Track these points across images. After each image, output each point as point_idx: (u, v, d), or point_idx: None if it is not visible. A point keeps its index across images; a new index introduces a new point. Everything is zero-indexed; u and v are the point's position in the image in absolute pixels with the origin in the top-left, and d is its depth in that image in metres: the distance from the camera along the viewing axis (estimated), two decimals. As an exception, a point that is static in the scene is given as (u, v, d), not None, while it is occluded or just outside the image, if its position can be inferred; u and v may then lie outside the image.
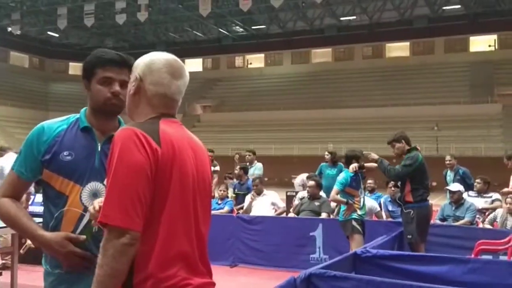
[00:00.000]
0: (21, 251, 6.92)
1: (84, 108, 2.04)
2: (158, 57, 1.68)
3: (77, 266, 1.82)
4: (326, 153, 9.72)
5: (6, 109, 39.21)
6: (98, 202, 1.62)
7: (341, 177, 6.03)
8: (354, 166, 5.88)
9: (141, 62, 1.69)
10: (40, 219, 2.02)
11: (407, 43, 42.05)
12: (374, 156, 5.97)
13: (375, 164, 5.94)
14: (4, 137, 35.49)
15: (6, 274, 5.82)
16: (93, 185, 1.90)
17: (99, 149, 1.94)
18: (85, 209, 1.87)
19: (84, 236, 1.85)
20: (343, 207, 6.02)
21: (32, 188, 9.72)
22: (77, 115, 2.02)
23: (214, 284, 1.66)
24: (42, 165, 1.91)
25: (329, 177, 9.07)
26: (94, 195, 1.89)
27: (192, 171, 1.60)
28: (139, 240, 1.44)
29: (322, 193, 7.79)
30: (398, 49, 42.75)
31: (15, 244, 5.94)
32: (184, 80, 1.70)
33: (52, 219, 1.91)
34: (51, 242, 1.82)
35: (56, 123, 1.98)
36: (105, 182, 1.72)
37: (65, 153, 1.90)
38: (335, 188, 5.97)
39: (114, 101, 1.93)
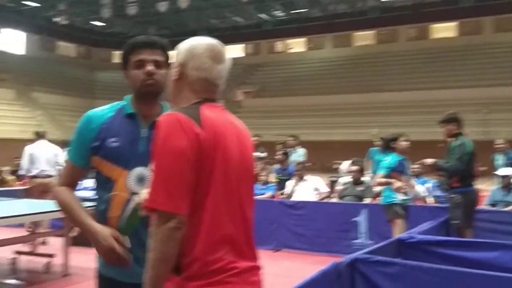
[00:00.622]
0: (73, 233, 7.21)
1: (129, 96, 2.09)
2: (199, 42, 1.70)
3: (114, 263, 1.88)
4: (379, 138, 9.54)
5: (54, 98, 40.53)
6: (144, 192, 1.66)
7: (387, 161, 5.93)
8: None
9: (182, 48, 1.70)
10: (88, 203, 2.11)
11: (453, 23, 40.56)
12: (430, 161, 5.87)
13: (430, 160, 5.86)
14: (54, 125, 36.80)
15: (59, 256, 6.08)
16: (139, 170, 1.95)
17: (144, 135, 1.98)
18: (132, 193, 1.93)
19: (129, 244, 1.90)
20: (386, 191, 5.94)
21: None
22: (123, 102, 2.08)
23: (260, 267, 1.69)
24: (92, 151, 1.98)
25: (379, 162, 8.93)
26: (140, 180, 1.94)
27: (235, 155, 1.62)
28: (184, 223, 1.48)
29: (365, 178, 7.70)
30: (444, 30, 41.30)
31: (67, 227, 6.19)
32: (225, 64, 1.73)
33: (101, 203, 1.99)
34: (97, 233, 1.89)
35: (102, 110, 2.05)
36: (150, 167, 1.77)
37: (112, 139, 1.96)
38: (380, 172, 5.89)
39: (150, 81, 1.97)
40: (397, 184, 5.74)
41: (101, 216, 1.99)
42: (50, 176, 8.17)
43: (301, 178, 8.14)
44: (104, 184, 1.98)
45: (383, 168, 5.86)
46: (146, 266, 1.48)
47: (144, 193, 1.65)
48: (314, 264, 5.91)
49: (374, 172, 8.78)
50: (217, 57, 1.69)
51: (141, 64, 1.97)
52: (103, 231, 1.89)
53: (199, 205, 1.52)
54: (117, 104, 2.08)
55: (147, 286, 1.48)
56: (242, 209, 1.63)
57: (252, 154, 1.76)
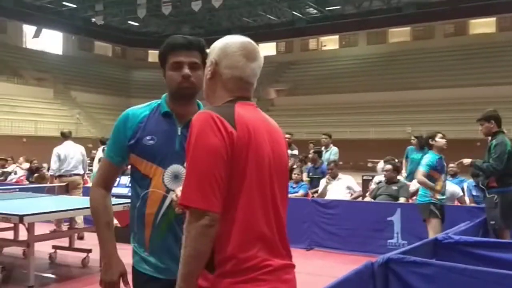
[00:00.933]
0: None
1: (165, 94, 2.12)
2: (232, 41, 1.70)
3: None
4: (412, 137, 9.44)
5: (92, 97, 41.52)
6: (180, 190, 1.68)
7: (427, 159, 5.82)
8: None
9: (216, 47, 1.71)
10: (123, 200, 2.16)
11: (493, 19, 39.41)
12: (467, 161, 5.75)
13: (468, 161, 5.75)
14: (91, 123, 37.70)
15: (96, 251, 6.21)
16: (174, 167, 1.98)
17: (179, 133, 2.01)
18: (168, 190, 1.96)
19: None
20: (422, 190, 5.84)
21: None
22: (159, 101, 2.10)
23: (294, 266, 1.67)
24: (129, 149, 2.02)
25: (414, 161, 8.81)
26: (175, 177, 1.97)
27: (268, 153, 1.61)
28: (218, 221, 1.48)
29: (400, 177, 7.58)
30: (483, 25, 40.17)
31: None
32: (258, 62, 1.71)
33: (138, 199, 2.02)
34: (111, 264, 2.00)
35: (139, 109, 2.08)
36: (185, 165, 1.79)
37: (148, 137, 1.99)
38: (422, 170, 5.76)
39: (186, 84, 1.99)
40: (435, 187, 5.65)
41: (138, 212, 2.03)
42: (77, 175, 8.56)
43: (334, 177, 8.08)
44: (140, 181, 2.00)
45: (424, 165, 5.75)
46: (180, 262, 1.49)
47: (179, 190, 1.67)
48: (346, 264, 5.87)
49: (411, 171, 8.68)
50: (250, 56, 1.68)
51: (178, 66, 1.98)
52: (117, 265, 1.99)
53: (233, 203, 1.53)
54: (154, 102, 2.10)
55: (180, 282, 1.49)
56: (276, 207, 1.62)
57: (285, 152, 1.75)
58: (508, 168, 5.45)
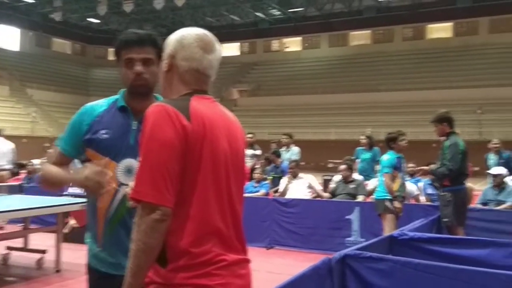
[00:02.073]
0: (65, 230, 7.18)
1: (123, 89, 2.11)
2: (188, 32, 1.67)
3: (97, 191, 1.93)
4: (363, 137, 9.65)
5: (49, 94, 40.42)
6: (132, 183, 1.66)
7: (386, 159, 5.96)
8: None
9: (172, 39, 1.68)
10: (81, 200, 2.14)
11: (449, 24, 40.71)
12: (425, 169, 6.05)
13: (426, 168, 5.96)
14: (49, 122, 36.68)
15: (51, 252, 6.06)
16: (127, 161, 1.97)
17: (134, 128, 2.00)
18: (120, 184, 1.95)
19: (110, 173, 1.94)
20: (380, 186, 6.00)
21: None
22: (117, 96, 2.10)
23: (249, 261, 1.67)
24: (84, 144, 2.01)
25: (364, 161, 9.17)
26: (128, 171, 1.96)
27: (225, 148, 1.59)
28: (170, 216, 1.45)
29: (356, 175, 7.74)
30: (440, 30, 41.44)
31: (60, 223, 6.18)
32: (216, 54, 1.68)
33: (88, 201, 2.05)
34: (80, 175, 1.93)
35: (97, 104, 2.08)
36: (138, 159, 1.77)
37: (103, 131, 1.98)
38: (386, 174, 5.90)
39: (139, 82, 1.98)
40: (393, 186, 5.83)
41: (91, 207, 2.01)
42: (4, 170, 8.91)
43: (294, 176, 8.14)
44: None
45: (387, 168, 5.89)
46: (129, 257, 1.47)
47: (132, 184, 1.65)
48: (306, 262, 5.90)
49: (361, 170, 9.00)
50: (207, 47, 1.66)
51: (130, 62, 1.97)
52: (79, 172, 1.95)
53: (187, 197, 1.50)
54: (113, 97, 2.12)
55: (129, 277, 1.46)
56: (232, 202, 1.61)
57: (243, 147, 1.72)
58: (461, 167, 5.63)
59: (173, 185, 1.46)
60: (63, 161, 2.08)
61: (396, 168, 5.93)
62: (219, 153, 1.57)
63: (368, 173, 8.94)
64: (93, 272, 1.99)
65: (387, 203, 5.80)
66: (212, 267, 1.50)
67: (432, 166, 5.88)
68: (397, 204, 5.84)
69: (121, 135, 1.98)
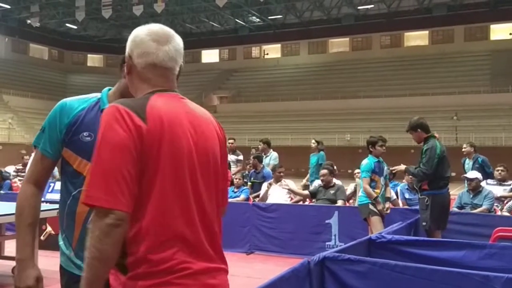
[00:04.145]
0: (42, 237, 7.07)
1: (107, 89, 2.02)
2: (141, 29, 1.61)
3: None
4: (313, 141, 10.14)
5: (26, 101, 39.83)
6: None
7: (365, 163, 6.05)
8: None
9: (128, 40, 1.62)
10: (57, 206, 2.04)
11: (426, 32, 41.48)
12: (402, 167, 6.05)
13: (402, 167, 6.03)
14: (25, 128, 36.10)
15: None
16: None
17: None
18: None
19: None
20: (362, 192, 6.07)
21: (56, 172, 9.90)
22: (98, 95, 1.99)
23: (224, 269, 1.55)
24: (63, 143, 1.90)
25: (312, 165, 9.70)
26: None
27: (189, 147, 1.49)
28: (126, 220, 1.36)
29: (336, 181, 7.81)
30: (417, 38, 42.19)
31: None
32: (173, 45, 1.59)
33: (69, 197, 1.92)
34: (24, 267, 1.80)
35: (77, 101, 1.95)
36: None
37: (85, 133, 1.88)
38: (365, 178, 5.99)
39: None
40: (374, 196, 5.94)
41: (68, 209, 1.91)
42: None
43: (277, 181, 8.15)
44: (73, 178, 1.90)
45: (364, 172, 5.97)
46: (84, 264, 1.38)
47: None
48: (287, 266, 5.90)
49: (311, 176, 9.46)
50: (161, 39, 1.57)
51: None
52: (32, 269, 1.81)
53: (144, 201, 1.41)
54: (93, 96, 1.98)
55: (83, 286, 1.37)
56: (201, 206, 1.49)
57: (215, 146, 1.60)
58: (439, 171, 5.70)
59: (128, 188, 1.37)
60: (45, 166, 1.91)
61: (375, 172, 6.01)
62: (181, 154, 1.47)
63: (314, 177, 9.27)
64: (68, 275, 1.94)
65: (371, 206, 5.88)
66: (173, 276, 1.40)
67: (410, 167, 5.93)
68: (379, 206, 5.92)
69: None
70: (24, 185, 1.89)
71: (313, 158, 9.83)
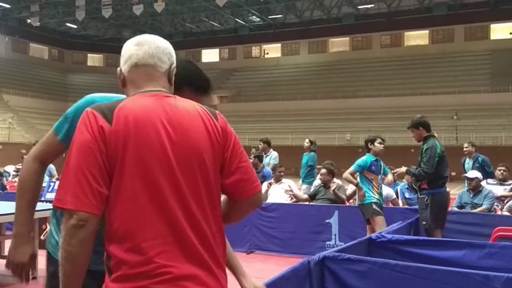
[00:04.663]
0: (42, 237, 7.07)
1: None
2: (127, 42, 1.66)
3: (14, 273, 1.85)
4: (307, 141, 10.04)
5: (26, 100, 39.84)
6: None
7: (361, 159, 6.05)
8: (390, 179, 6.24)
9: None
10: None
11: (426, 31, 41.47)
12: (402, 169, 6.04)
13: (403, 169, 6.02)
14: (25, 128, 36.11)
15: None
16: None
17: None
18: None
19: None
20: (366, 193, 6.07)
21: (54, 171, 9.87)
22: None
23: (216, 273, 1.46)
24: None
25: (303, 165, 9.63)
26: None
27: (162, 146, 1.44)
28: (90, 221, 1.37)
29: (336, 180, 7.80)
30: (417, 38, 42.18)
31: (36, 229, 6.08)
32: (154, 44, 1.62)
33: None
34: (20, 243, 1.81)
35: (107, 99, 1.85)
36: None
37: None
38: (351, 168, 6.02)
39: None
40: (359, 188, 5.96)
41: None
42: None
43: (278, 181, 8.14)
44: None
45: (355, 164, 6.01)
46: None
47: None
48: (287, 266, 5.90)
49: (302, 176, 9.41)
50: (141, 42, 1.62)
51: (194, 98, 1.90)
52: (28, 245, 1.82)
53: (115, 202, 1.40)
54: (119, 99, 1.91)
55: (60, 285, 1.41)
56: (186, 204, 1.43)
57: (202, 140, 1.51)
58: (438, 171, 5.71)
59: (92, 189, 1.38)
60: (55, 150, 1.89)
61: (372, 170, 6.00)
62: (150, 153, 1.43)
63: (304, 178, 9.33)
64: (55, 263, 1.94)
65: (374, 206, 5.87)
66: (151, 280, 1.36)
67: (411, 168, 5.93)
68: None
69: None
70: (31, 161, 1.86)
71: (305, 158, 9.78)
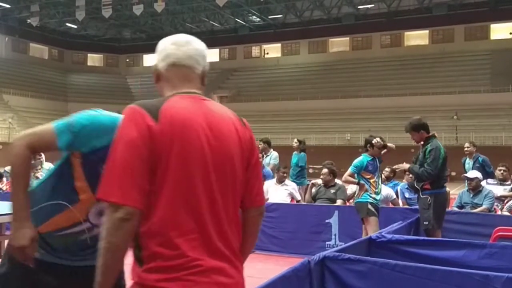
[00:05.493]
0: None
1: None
2: (164, 39, 1.72)
3: (19, 257, 1.83)
4: (295, 140, 10.03)
5: (26, 100, 39.86)
6: None
7: (357, 160, 6.04)
8: (377, 140, 6.03)
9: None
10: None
11: (426, 31, 41.45)
12: (404, 166, 6.01)
13: (406, 166, 5.99)
14: (25, 128, 36.08)
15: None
16: (103, 204, 1.76)
17: None
18: (86, 220, 1.87)
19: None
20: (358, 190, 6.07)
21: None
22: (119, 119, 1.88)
23: (237, 268, 1.58)
24: (79, 154, 1.82)
25: (292, 165, 9.53)
26: (99, 213, 1.83)
27: (202, 148, 1.52)
28: (135, 215, 1.43)
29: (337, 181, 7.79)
30: (417, 38, 42.17)
31: None
32: (192, 46, 1.69)
33: (49, 200, 1.87)
34: (20, 227, 1.79)
35: (110, 123, 1.81)
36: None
37: (103, 166, 1.68)
38: (349, 170, 6.01)
39: None
40: (361, 185, 5.95)
41: (49, 209, 1.87)
42: None
43: (280, 182, 8.11)
44: (67, 190, 1.85)
45: (352, 166, 6.00)
46: (98, 255, 1.45)
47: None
48: (287, 266, 5.90)
49: (293, 177, 9.28)
50: (180, 42, 1.68)
51: None
52: (29, 229, 1.79)
53: (155, 198, 1.47)
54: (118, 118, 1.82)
55: (98, 277, 1.45)
56: (214, 205, 1.52)
57: (235, 146, 1.61)
58: (441, 171, 5.70)
59: (139, 184, 1.44)
60: (49, 145, 1.85)
61: (368, 170, 5.99)
62: (192, 155, 1.50)
63: (294, 178, 9.25)
64: (5, 263, 1.94)
65: (369, 206, 5.86)
66: (184, 272, 1.45)
67: (414, 167, 5.88)
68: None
69: None
70: (24, 148, 1.82)
71: (294, 158, 9.71)
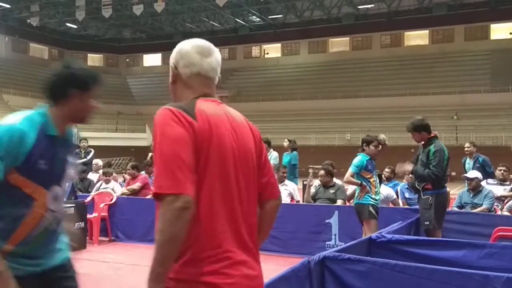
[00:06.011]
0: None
1: (41, 111, 2.06)
2: (186, 43, 1.79)
3: None
4: (286, 140, 10.13)
5: (26, 100, 39.80)
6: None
7: (357, 160, 6.03)
8: (383, 136, 6.23)
9: (173, 53, 1.79)
10: None
11: (426, 31, 41.42)
12: (408, 168, 5.98)
13: (410, 168, 5.96)
14: (25, 127, 36.15)
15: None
16: (55, 189, 2.03)
17: (61, 156, 2.06)
18: (48, 210, 2.01)
19: None
20: (358, 190, 6.05)
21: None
22: (40, 118, 2.03)
23: (258, 261, 1.67)
24: (15, 170, 1.91)
25: (284, 164, 9.52)
26: (55, 198, 2.02)
27: (232, 147, 1.64)
28: (192, 203, 1.48)
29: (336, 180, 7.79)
30: (417, 38, 42.13)
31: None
32: (214, 57, 1.78)
33: (11, 219, 1.94)
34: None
35: (29, 127, 1.96)
36: (63, 187, 1.97)
37: (41, 161, 1.96)
38: (350, 170, 5.99)
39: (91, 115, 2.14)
40: (363, 186, 5.92)
41: (8, 229, 1.93)
42: None
43: (280, 182, 8.12)
44: (21, 202, 1.94)
45: (353, 166, 5.98)
46: (154, 248, 1.47)
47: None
48: (287, 266, 5.89)
49: (290, 175, 9.25)
50: (204, 51, 1.76)
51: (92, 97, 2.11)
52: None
53: (197, 190, 1.53)
54: (35, 119, 2.02)
55: (157, 267, 1.47)
56: (242, 198, 1.64)
57: (253, 147, 1.75)
58: (444, 172, 5.70)
59: (191, 174, 1.50)
60: None
61: (367, 169, 5.99)
62: (226, 152, 1.61)
63: (287, 177, 9.23)
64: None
65: (371, 208, 5.84)
66: (219, 265, 1.53)
67: (418, 168, 5.84)
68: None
69: (53, 165, 2.00)
70: None
71: (286, 158, 9.72)
